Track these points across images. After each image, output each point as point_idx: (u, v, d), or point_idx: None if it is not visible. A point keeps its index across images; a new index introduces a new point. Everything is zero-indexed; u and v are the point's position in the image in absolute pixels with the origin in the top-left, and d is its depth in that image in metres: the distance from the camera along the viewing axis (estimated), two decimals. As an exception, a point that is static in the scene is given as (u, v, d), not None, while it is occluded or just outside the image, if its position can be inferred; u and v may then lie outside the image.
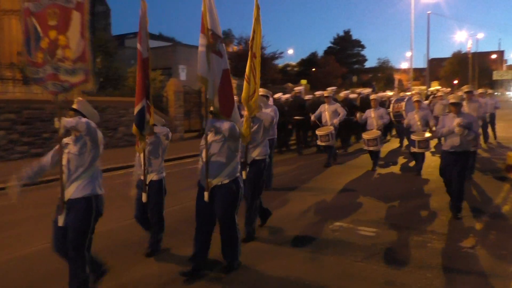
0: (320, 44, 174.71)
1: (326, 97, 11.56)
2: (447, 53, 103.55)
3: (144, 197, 4.95)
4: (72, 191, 3.81)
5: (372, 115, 10.63)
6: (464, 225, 6.14)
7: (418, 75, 68.47)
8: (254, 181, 5.62)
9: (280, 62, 37.08)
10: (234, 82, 29.62)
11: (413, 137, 9.60)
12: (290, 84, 34.18)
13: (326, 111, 11.30)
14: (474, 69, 56.01)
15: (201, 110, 20.11)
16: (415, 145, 9.50)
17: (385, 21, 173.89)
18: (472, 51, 57.28)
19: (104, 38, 25.46)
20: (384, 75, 60.45)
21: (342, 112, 11.22)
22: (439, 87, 24.67)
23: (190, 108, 20.36)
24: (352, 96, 15.95)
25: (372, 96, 11.19)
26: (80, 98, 4.15)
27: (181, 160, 13.16)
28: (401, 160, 12.22)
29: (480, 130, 9.15)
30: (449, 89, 25.00)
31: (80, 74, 3.75)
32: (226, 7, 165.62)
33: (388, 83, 52.24)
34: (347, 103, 14.09)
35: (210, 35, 4.29)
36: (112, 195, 8.38)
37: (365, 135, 10.40)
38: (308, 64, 52.01)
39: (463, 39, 56.66)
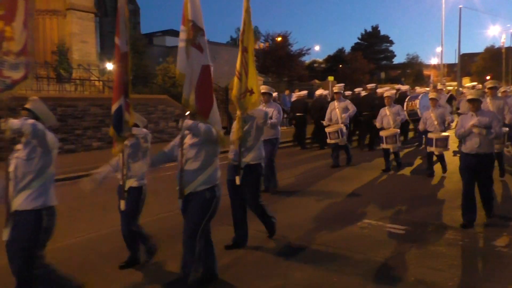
0: (347, 40, 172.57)
1: (336, 93, 11.13)
2: (479, 48, 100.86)
3: (122, 205, 4.50)
4: (20, 202, 3.40)
5: (387, 113, 10.11)
6: (497, 224, 5.99)
7: (449, 70, 66.87)
8: (248, 188, 5.13)
9: (306, 59, 36.86)
10: (260, 80, 29.74)
11: (430, 135, 9.12)
12: (317, 81, 34.02)
13: (336, 108, 10.84)
14: (508, 64, 54.29)
15: (228, 107, 20.22)
16: (433, 143, 9.00)
17: (415, 16, 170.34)
18: (506, 45, 55.58)
19: (134, 36, 25.89)
20: (413, 71, 59.37)
21: (352, 108, 10.83)
22: (475, 83, 23.67)
23: (217, 105, 20.48)
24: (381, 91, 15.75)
25: (386, 93, 10.62)
26: (35, 97, 3.84)
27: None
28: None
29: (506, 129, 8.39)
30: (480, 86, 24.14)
31: (22, 69, 3.48)
32: (253, 3, 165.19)
33: (418, 79, 51.29)
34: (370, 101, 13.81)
35: (190, 26, 3.90)
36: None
37: (382, 133, 9.94)
38: (335, 60, 51.55)
39: (497, 33, 54.85)
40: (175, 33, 47.89)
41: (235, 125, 5.01)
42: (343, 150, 10.82)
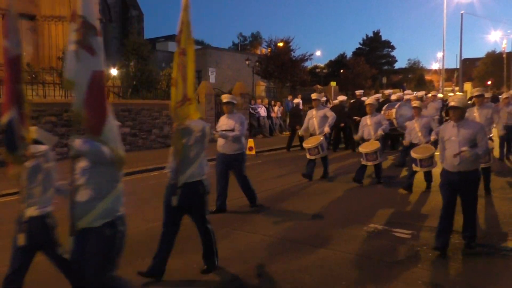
0: (349, 45, 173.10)
1: (314, 100, 9.84)
2: (480, 53, 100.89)
3: (20, 240, 3.64)
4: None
5: (368, 123, 9.09)
6: (502, 228, 6.07)
7: (450, 75, 66.97)
8: (191, 211, 4.59)
9: (308, 64, 37.02)
10: (262, 85, 29.94)
11: (413, 154, 8.05)
12: (319, 86, 34.16)
13: (314, 117, 9.71)
14: (509, 69, 54.33)
15: (232, 113, 20.31)
16: (417, 163, 8.04)
17: (416, 21, 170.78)
18: (507, 50, 55.66)
19: (138, 42, 26.03)
20: (414, 76, 59.47)
21: (331, 116, 9.64)
22: (482, 88, 23.44)
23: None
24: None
25: (368, 101, 9.58)
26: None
27: (212, 162, 13.36)
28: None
29: (492, 144, 7.62)
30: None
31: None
32: (254, 9, 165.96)
33: (419, 84, 51.37)
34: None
35: (80, 23, 3.18)
36: (148, 196, 8.67)
37: (362, 148, 8.97)
38: (337, 65, 51.66)
39: (498, 38, 54.98)
40: (178, 39, 48.09)
41: (172, 139, 4.55)
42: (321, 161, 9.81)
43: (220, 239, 5.29)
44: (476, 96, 8.25)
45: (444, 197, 5.17)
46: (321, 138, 9.45)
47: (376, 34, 60.60)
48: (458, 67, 45.78)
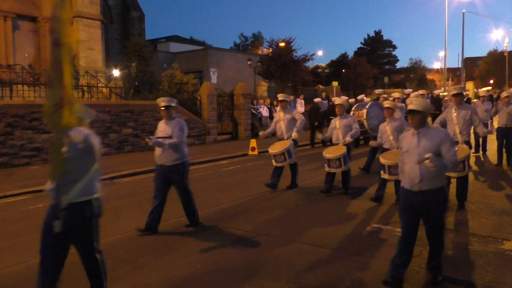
0: (350, 45, 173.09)
1: (281, 102, 8.87)
2: (482, 52, 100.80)
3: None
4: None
5: (337, 125, 8.26)
6: (506, 228, 6.06)
7: (452, 75, 66.93)
8: (77, 237, 3.72)
9: (309, 64, 37.06)
10: (264, 85, 29.96)
11: (382, 160, 7.26)
12: (321, 86, 34.18)
13: (281, 120, 8.77)
14: (511, 68, 54.25)
15: (234, 113, 20.36)
16: (385, 170, 7.21)
17: (417, 21, 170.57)
18: (509, 49, 55.58)
19: (140, 43, 26.09)
20: (416, 75, 59.45)
21: (300, 119, 8.69)
22: (489, 88, 22.86)
23: (222, 111, 20.64)
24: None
25: (337, 101, 8.64)
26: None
27: (216, 162, 13.40)
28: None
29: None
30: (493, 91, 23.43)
31: None
32: (256, 9, 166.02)
33: (421, 84, 51.33)
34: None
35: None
36: (150, 197, 8.65)
37: (326, 153, 8.04)
38: (339, 65, 51.72)
39: (499, 37, 55.06)
40: (179, 39, 48.30)
41: (50, 152, 3.67)
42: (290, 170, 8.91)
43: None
44: (454, 95, 7.15)
45: (404, 223, 4.21)
46: (289, 143, 8.47)
47: (378, 34, 60.63)
48: (460, 66, 45.74)
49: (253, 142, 15.01)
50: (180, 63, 26.72)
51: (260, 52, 50.67)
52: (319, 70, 51.40)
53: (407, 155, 4.18)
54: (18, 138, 12.54)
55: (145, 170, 11.50)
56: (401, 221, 4.28)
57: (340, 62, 53.22)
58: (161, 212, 6.26)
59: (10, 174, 11.13)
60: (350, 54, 56.79)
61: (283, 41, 29.49)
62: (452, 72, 64.79)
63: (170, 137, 6.02)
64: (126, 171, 11.32)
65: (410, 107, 4.15)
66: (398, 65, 63.26)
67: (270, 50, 31.03)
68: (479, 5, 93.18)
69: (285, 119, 8.69)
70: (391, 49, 61.42)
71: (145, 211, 7.42)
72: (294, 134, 8.60)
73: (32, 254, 5.16)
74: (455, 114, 7.05)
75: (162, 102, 6.21)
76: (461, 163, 6.52)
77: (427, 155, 3.89)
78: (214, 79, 33.59)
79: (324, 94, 27.17)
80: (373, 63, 44.38)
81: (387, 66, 60.27)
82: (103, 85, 18.21)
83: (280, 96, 8.95)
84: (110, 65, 22.87)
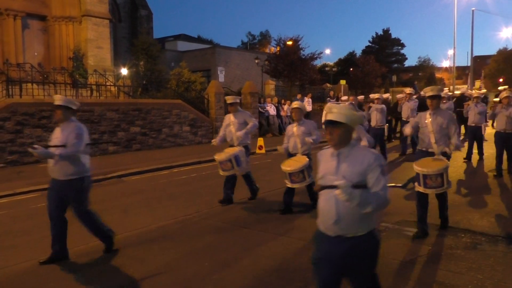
0: (358, 44, 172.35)
1: (231, 104, 7.81)
2: (492, 50, 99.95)
3: None
4: None
5: (294, 132, 7.08)
6: (515, 228, 6.01)
7: (461, 73, 66.42)
8: None
9: (317, 63, 36.94)
10: (271, 84, 29.91)
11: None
12: (328, 85, 34.06)
13: (231, 124, 7.78)
14: (521, 67, 53.73)
15: (241, 111, 20.38)
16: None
17: (426, 19, 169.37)
18: (519, 48, 55.10)
19: (148, 41, 26.17)
20: (425, 74, 59.08)
21: (252, 122, 7.74)
22: (506, 86, 22.43)
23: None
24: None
25: (294, 104, 7.35)
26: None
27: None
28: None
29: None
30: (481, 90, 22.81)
31: None
32: (263, 8, 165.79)
33: (429, 82, 51.03)
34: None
35: None
36: (158, 195, 8.73)
37: (285, 166, 6.76)
38: (346, 64, 51.53)
39: (510, 35, 54.53)
40: (186, 38, 48.41)
41: None
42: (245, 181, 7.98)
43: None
44: (430, 97, 5.89)
45: (319, 280, 2.99)
46: (238, 149, 7.50)
47: (386, 32, 60.29)
48: (469, 64, 45.35)
49: (260, 141, 15.04)
50: (188, 62, 26.75)
51: (267, 50, 50.61)
52: (327, 69, 51.23)
53: (324, 181, 2.93)
54: (28, 137, 12.64)
55: (153, 168, 11.56)
56: (315, 276, 3.02)
57: (348, 61, 53.01)
58: (65, 238, 5.16)
59: (19, 172, 11.23)
60: (358, 52, 56.65)
61: (290, 39, 29.42)
62: (461, 71, 64.34)
63: (64, 146, 4.91)
64: (134, 169, 11.38)
65: (328, 117, 2.91)
66: (407, 63, 62.89)
67: (278, 49, 30.96)
68: (489, 2, 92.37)
69: (236, 123, 7.71)
70: (399, 47, 61.06)
71: (153, 209, 7.50)
72: (239, 134, 7.57)
73: (41, 251, 5.21)
74: (430, 119, 5.83)
75: (57, 100, 5.05)
76: (439, 177, 5.55)
77: (337, 182, 2.70)
78: (221, 77, 33.61)
79: (332, 93, 27.11)
80: (381, 61, 44.18)
81: (396, 65, 59.92)
82: (112, 84, 18.30)
83: (229, 99, 7.94)
84: (118, 64, 22.96)
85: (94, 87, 17.10)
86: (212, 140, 8.00)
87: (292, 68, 27.82)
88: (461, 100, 16.41)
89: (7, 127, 12.29)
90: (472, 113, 11.46)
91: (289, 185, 6.84)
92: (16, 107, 12.55)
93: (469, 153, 11.60)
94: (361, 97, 17.53)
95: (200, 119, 17.96)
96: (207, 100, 18.92)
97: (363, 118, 6.45)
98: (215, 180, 9.83)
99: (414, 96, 14.40)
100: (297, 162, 6.74)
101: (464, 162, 11.42)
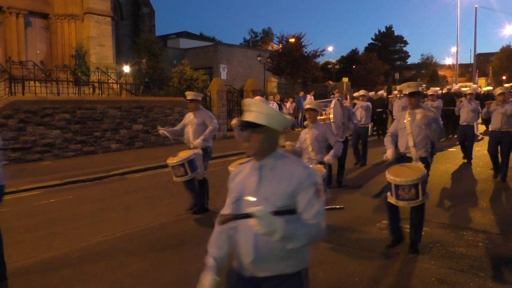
0: (361, 41, 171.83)
1: (190, 101, 7.04)
2: (495, 48, 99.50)
3: None
4: None
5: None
6: (517, 226, 6.01)
7: (464, 71, 66.20)
8: None
9: (320, 60, 36.88)
10: (274, 81, 29.90)
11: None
12: (331, 82, 34.01)
13: (189, 124, 7.06)
14: (524, 64, 53.51)
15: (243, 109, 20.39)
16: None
17: (429, 16, 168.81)
18: (523, 45, 54.85)
19: (150, 39, 26.16)
20: (428, 71, 58.94)
21: (212, 126, 6.97)
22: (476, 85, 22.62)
23: (232, 107, 20.66)
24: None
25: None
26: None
27: (225, 158, 13.42)
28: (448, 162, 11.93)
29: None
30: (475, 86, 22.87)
31: None
32: (266, 5, 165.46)
33: (432, 80, 50.89)
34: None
35: None
36: (160, 192, 8.74)
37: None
38: (349, 61, 51.42)
39: (513, 33, 54.16)
40: (189, 35, 48.39)
41: None
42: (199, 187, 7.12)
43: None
44: (408, 95, 5.18)
45: None
46: (193, 153, 6.79)
47: (389, 29, 60.15)
48: (472, 62, 45.21)
49: None
50: (190, 59, 26.76)
51: (270, 48, 50.56)
52: (329, 66, 51.12)
53: (245, 203, 2.20)
54: (30, 134, 12.67)
55: (155, 165, 11.56)
56: None
57: (350, 58, 52.91)
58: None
59: (22, 169, 11.26)
60: (361, 50, 56.47)
61: (293, 36, 29.40)
62: (464, 68, 64.13)
63: None
64: (137, 166, 11.39)
65: (246, 117, 2.22)
66: (409, 61, 62.83)
67: (280, 46, 30.94)
68: (492, 0, 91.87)
69: (194, 123, 6.96)
70: (402, 44, 60.92)
71: (155, 207, 7.52)
72: (197, 142, 6.83)
73: (44, 248, 5.23)
74: (409, 119, 5.16)
75: None
76: (413, 188, 4.82)
77: (252, 209, 1.97)
78: (224, 75, 33.60)
79: (336, 91, 27.08)
80: (384, 59, 44.14)
81: (398, 62, 59.82)
82: (114, 81, 18.31)
83: (188, 95, 7.14)
84: (120, 61, 22.97)
85: (96, 84, 17.11)
86: (159, 129, 7.13)
87: (295, 66, 27.80)
88: (448, 98, 15.99)
89: (10, 125, 12.32)
90: (465, 111, 10.79)
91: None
92: (19, 105, 12.57)
93: (465, 152, 10.96)
94: (372, 93, 18.07)
95: (202, 116, 17.96)
96: (209, 98, 18.91)
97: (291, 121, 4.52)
98: (218, 178, 9.83)
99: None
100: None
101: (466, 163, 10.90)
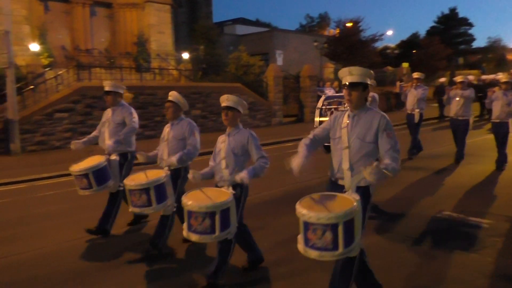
0: (422, 24, 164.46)
1: (107, 93, 5.78)
2: None
3: None
4: None
5: (165, 135, 5.13)
6: None
7: (535, 55, 61.83)
8: None
9: (378, 45, 35.83)
10: (330, 67, 29.45)
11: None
12: (389, 68, 32.99)
13: (107, 122, 5.88)
14: None
15: (300, 95, 20.28)
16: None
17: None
18: None
19: (207, 26, 26.56)
20: (495, 55, 55.58)
21: (129, 125, 5.66)
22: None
23: (288, 93, 20.63)
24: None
25: (171, 95, 5.22)
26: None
27: (281, 144, 13.51)
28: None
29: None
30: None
31: None
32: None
33: (500, 65, 48.00)
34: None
35: None
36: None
37: (127, 181, 4.54)
38: (409, 45, 49.53)
39: None
40: (245, 22, 48.54)
41: None
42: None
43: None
44: (349, 87, 3.39)
45: None
46: (103, 160, 5.37)
47: (453, 11, 57.22)
48: (545, 45, 42.06)
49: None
50: (246, 46, 26.88)
51: (326, 33, 49.70)
52: (388, 51, 49.62)
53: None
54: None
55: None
56: None
57: (410, 42, 50.91)
58: None
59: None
60: (422, 33, 54.22)
61: (350, 21, 28.73)
62: (537, 52, 59.80)
63: None
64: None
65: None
66: (475, 44, 59.45)
67: (337, 31, 30.37)
68: None
69: (112, 122, 5.72)
70: (467, 27, 57.78)
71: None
72: (108, 143, 5.52)
73: (68, 234, 5.50)
74: (348, 123, 3.39)
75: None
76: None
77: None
78: (279, 61, 33.52)
79: (405, 77, 26.22)
80: (446, 43, 42.04)
81: (462, 46, 56.83)
82: (173, 68, 18.83)
83: (106, 85, 5.77)
84: (179, 48, 23.53)
85: (157, 71, 17.69)
86: (72, 142, 5.78)
87: (352, 51, 27.22)
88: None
89: (78, 109, 13.05)
90: (499, 105, 8.65)
91: (131, 209, 4.65)
92: (85, 90, 13.28)
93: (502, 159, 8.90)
94: (443, 79, 17.43)
95: (259, 102, 18.08)
96: (265, 84, 18.99)
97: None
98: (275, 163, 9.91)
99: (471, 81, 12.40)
100: (139, 179, 4.50)
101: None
